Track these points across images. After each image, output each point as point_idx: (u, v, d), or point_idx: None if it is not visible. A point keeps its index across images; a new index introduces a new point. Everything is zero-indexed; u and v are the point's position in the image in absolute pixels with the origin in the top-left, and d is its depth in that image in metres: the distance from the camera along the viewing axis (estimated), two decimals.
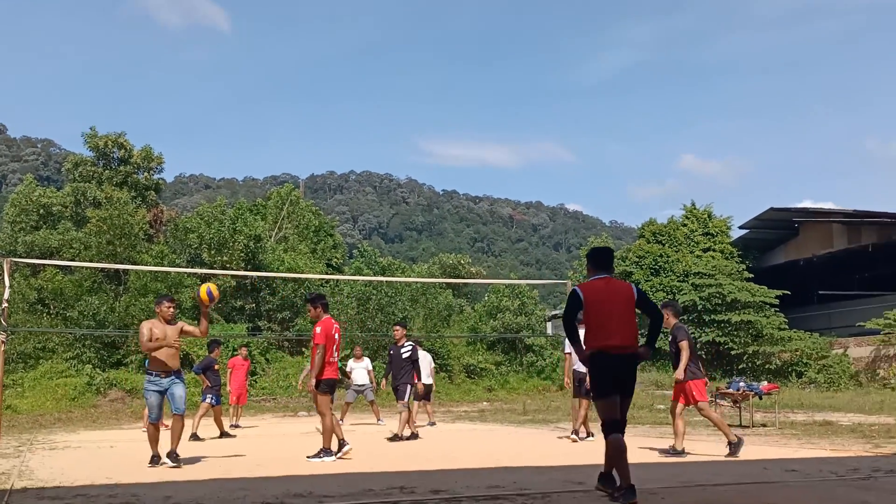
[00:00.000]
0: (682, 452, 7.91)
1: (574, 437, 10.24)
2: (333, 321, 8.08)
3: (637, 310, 5.25)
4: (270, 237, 30.92)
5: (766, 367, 25.24)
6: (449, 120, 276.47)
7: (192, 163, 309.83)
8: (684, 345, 7.95)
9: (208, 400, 11.71)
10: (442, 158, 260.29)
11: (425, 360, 14.49)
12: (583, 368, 10.16)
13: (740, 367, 25.36)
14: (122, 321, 22.53)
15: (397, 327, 11.06)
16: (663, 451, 8.23)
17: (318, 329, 7.84)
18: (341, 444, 7.92)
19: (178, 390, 7.39)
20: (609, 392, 5.10)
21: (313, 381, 7.74)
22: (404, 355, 10.58)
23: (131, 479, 6.33)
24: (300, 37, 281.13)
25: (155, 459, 7.44)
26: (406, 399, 10.48)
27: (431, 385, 14.63)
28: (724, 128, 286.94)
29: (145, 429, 11.12)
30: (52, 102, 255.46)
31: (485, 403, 22.01)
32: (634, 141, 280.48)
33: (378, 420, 14.72)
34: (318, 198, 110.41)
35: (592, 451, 8.83)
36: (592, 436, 10.25)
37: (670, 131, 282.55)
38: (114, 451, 9.53)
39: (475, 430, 12.88)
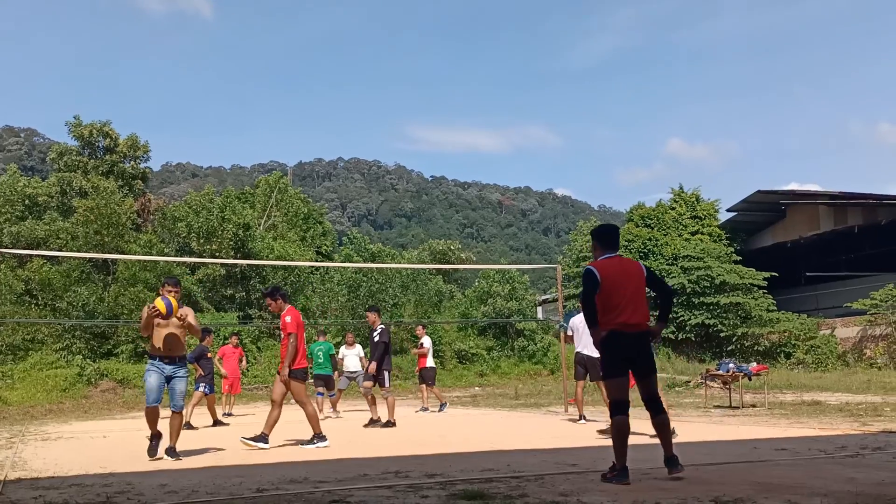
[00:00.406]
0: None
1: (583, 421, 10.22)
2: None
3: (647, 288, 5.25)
4: (259, 225, 30.77)
5: (755, 348, 25.51)
6: (436, 106, 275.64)
7: (178, 151, 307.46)
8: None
9: (201, 388, 11.71)
10: (430, 144, 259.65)
11: (427, 344, 14.55)
12: (587, 352, 10.15)
13: (729, 348, 25.63)
14: (111, 311, 22.42)
15: (368, 313, 10.89)
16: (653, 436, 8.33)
17: (287, 318, 7.75)
18: (263, 437, 7.68)
19: (180, 385, 7.00)
20: (618, 373, 5.11)
21: (286, 371, 7.61)
22: (375, 339, 10.44)
23: (125, 469, 6.33)
24: (284, 23, 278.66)
25: (156, 438, 7.01)
26: (388, 385, 10.42)
27: (434, 368, 14.65)
28: (711, 111, 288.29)
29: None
30: (35, 91, 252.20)
31: (477, 388, 22.12)
32: (622, 125, 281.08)
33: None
34: (307, 185, 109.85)
35: (586, 434, 8.91)
36: (585, 419, 10.33)
37: (657, 115, 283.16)
38: (107, 440, 9.51)
39: (468, 415, 12.95)
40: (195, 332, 7.38)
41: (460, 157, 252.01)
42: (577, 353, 10.25)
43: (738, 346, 25.69)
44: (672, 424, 7.75)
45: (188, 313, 7.14)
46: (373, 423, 10.41)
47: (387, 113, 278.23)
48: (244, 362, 15.22)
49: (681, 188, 30.72)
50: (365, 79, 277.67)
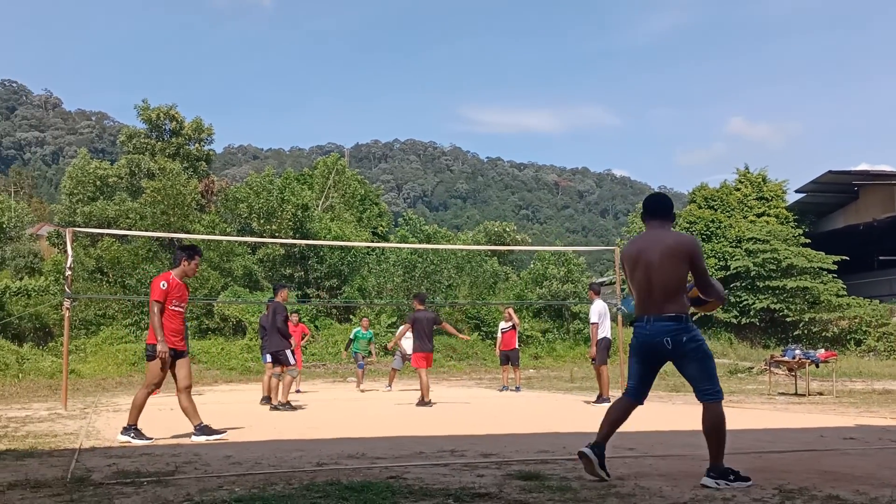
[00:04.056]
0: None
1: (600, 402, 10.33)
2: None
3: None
4: (317, 206, 31.28)
5: (823, 334, 24.60)
6: (492, 87, 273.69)
7: (240, 134, 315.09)
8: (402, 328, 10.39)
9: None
10: (485, 126, 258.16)
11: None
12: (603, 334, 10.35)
13: (795, 334, 24.78)
14: None
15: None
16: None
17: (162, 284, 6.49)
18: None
19: None
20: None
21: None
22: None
23: (193, 440, 6.56)
24: (341, 7, 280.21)
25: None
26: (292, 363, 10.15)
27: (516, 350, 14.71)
28: (774, 89, 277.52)
29: None
30: (106, 76, 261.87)
31: (531, 371, 22.05)
32: (681, 104, 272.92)
33: None
34: (363, 167, 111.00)
35: (641, 418, 8.78)
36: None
37: (718, 94, 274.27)
38: (174, 413, 9.86)
39: (522, 397, 12.93)
40: None
41: (516, 137, 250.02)
42: (606, 338, 10.42)
43: (805, 331, 24.81)
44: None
45: None
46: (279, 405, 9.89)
47: (442, 94, 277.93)
48: (305, 339, 15.61)
49: (746, 169, 29.69)
50: (421, 60, 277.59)
